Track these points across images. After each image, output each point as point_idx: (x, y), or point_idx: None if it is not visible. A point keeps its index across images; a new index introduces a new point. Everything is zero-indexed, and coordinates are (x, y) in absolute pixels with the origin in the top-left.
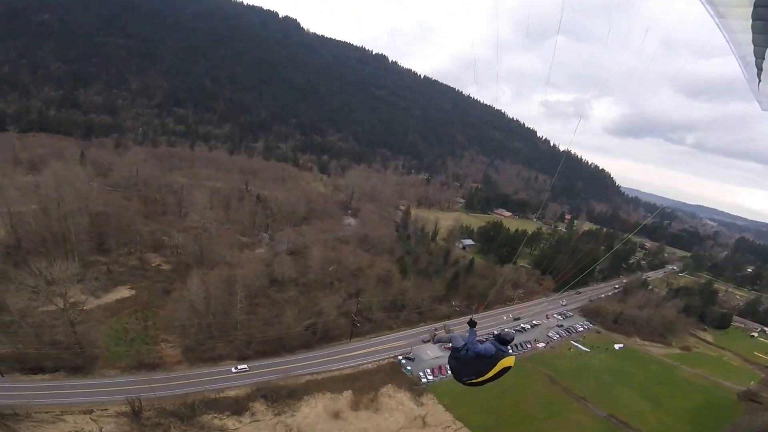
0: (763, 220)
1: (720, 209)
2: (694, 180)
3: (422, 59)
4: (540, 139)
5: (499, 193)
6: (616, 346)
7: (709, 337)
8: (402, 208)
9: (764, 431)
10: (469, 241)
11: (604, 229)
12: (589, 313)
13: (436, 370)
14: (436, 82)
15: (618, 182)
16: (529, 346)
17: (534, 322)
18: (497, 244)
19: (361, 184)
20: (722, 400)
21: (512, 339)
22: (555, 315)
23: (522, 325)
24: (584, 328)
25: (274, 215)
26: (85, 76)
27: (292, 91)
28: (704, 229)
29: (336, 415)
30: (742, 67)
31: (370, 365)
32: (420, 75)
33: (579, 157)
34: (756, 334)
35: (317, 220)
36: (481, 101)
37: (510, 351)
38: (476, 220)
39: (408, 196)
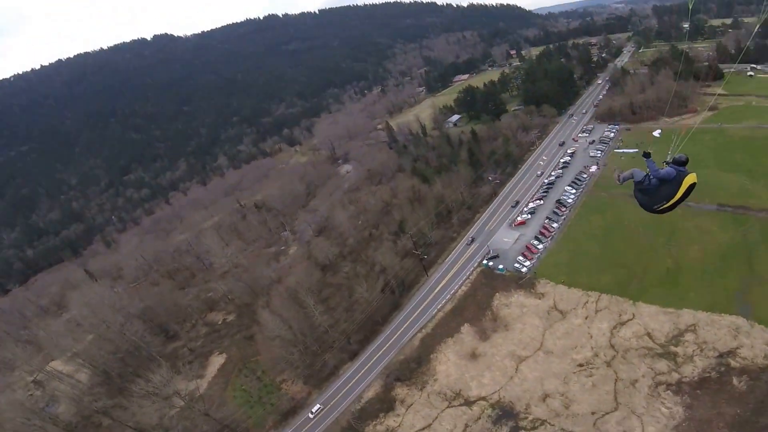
0: None
1: None
2: None
3: None
4: (444, 6)
5: (448, 64)
6: (655, 134)
7: (720, 90)
8: (380, 127)
9: None
10: (455, 117)
11: (551, 46)
12: (605, 117)
13: (527, 254)
14: (332, 9)
15: (529, 8)
16: (585, 176)
17: (569, 150)
18: (481, 104)
19: (333, 131)
20: None
21: (687, 159)
22: (580, 135)
23: (564, 160)
24: (614, 133)
25: (281, 210)
26: (27, 202)
27: (214, 96)
28: (621, 12)
29: (473, 355)
30: None
31: (464, 288)
32: (314, 11)
33: (484, 4)
34: (751, 73)
35: (320, 189)
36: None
37: (688, 170)
38: (446, 97)
39: (378, 114)
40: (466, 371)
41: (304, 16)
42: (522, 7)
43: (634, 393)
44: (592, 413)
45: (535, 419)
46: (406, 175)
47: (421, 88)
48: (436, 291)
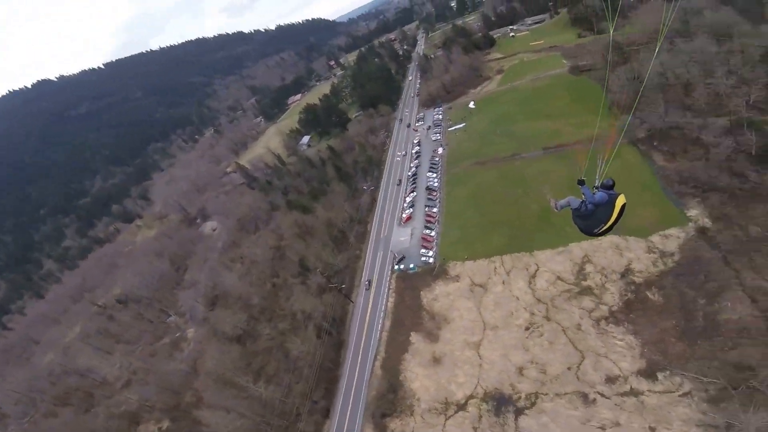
0: None
1: None
2: None
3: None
4: (252, 33)
5: (276, 88)
6: (470, 105)
7: (498, 55)
8: (230, 169)
9: None
10: (305, 138)
11: (362, 49)
12: (428, 102)
13: (426, 245)
14: (120, 60)
15: (331, 18)
16: (437, 159)
17: (415, 140)
18: (324, 119)
19: (175, 189)
20: (570, 81)
21: (614, 182)
22: (417, 124)
23: (415, 150)
24: (441, 114)
25: (153, 297)
26: None
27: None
28: (404, 5)
29: (435, 360)
30: None
31: (391, 299)
32: (98, 66)
33: (291, 23)
34: (512, 34)
35: (189, 259)
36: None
37: (617, 192)
38: (288, 121)
39: (223, 156)
40: (439, 378)
41: (87, 74)
42: (325, 18)
43: (586, 336)
44: (568, 368)
45: (528, 395)
46: (284, 211)
47: (258, 119)
48: (368, 313)
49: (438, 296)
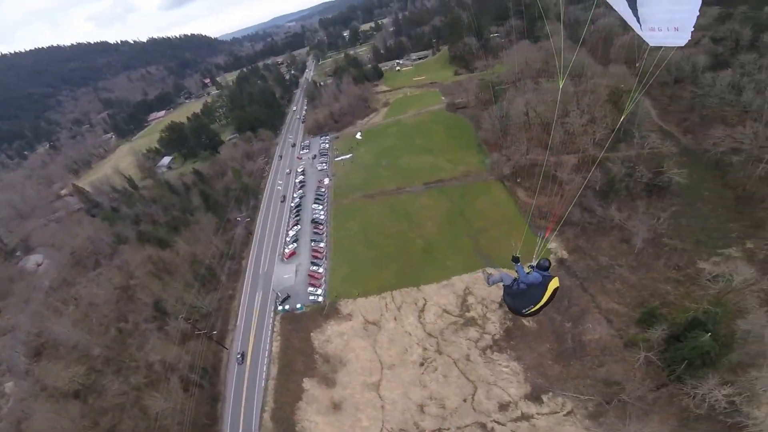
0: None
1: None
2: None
3: None
4: (119, 44)
5: (136, 103)
6: (357, 136)
7: (385, 87)
8: (65, 192)
9: None
10: (167, 159)
11: (244, 69)
12: (315, 130)
13: (313, 282)
14: None
15: (214, 36)
16: (323, 190)
17: (299, 169)
18: (192, 139)
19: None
20: (447, 117)
21: (550, 264)
22: (301, 152)
23: (299, 180)
24: (328, 143)
25: None
26: None
27: None
28: (295, 30)
29: (335, 407)
30: (627, 19)
31: (276, 343)
32: None
33: (168, 37)
34: (399, 68)
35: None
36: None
37: (551, 274)
38: (146, 139)
39: (57, 177)
40: (342, 425)
41: None
42: (207, 35)
43: (476, 366)
44: (464, 400)
45: None
46: (134, 244)
47: (108, 135)
48: (248, 360)
49: (331, 337)
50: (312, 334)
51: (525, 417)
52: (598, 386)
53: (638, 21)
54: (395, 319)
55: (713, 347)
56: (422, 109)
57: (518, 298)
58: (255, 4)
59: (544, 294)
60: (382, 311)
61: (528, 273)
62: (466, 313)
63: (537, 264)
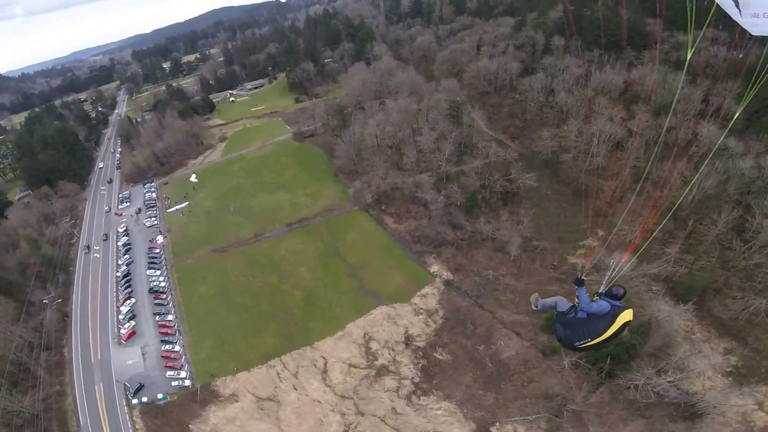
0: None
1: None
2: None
3: None
4: None
5: None
6: (192, 179)
7: (219, 120)
8: None
9: None
10: None
11: (36, 109)
12: (135, 176)
13: (171, 364)
14: None
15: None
16: (158, 251)
17: (120, 229)
18: None
19: None
20: (295, 148)
21: (625, 293)
22: (120, 207)
23: (122, 242)
24: (155, 191)
25: None
26: None
27: None
28: (102, 63)
29: None
30: (724, 7)
31: None
32: None
33: None
34: (233, 99)
35: None
36: None
37: (622, 305)
38: None
39: None
40: None
41: None
42: None
43: (406, 418)
44: None
45: None
46: None
47: None
48: None
49: (218, 426)
50: (191, 426)
51: None
52: (540, 402)
53: (737, 6)
54: (295, 388)
55: (635, 338)
56: (267, 140)
57: (573, 328)
58: (50, 35)
59: (610, 327)
60: (275, 383)
61: (593, 301)
62: (375, 362)
63: (606, 291)
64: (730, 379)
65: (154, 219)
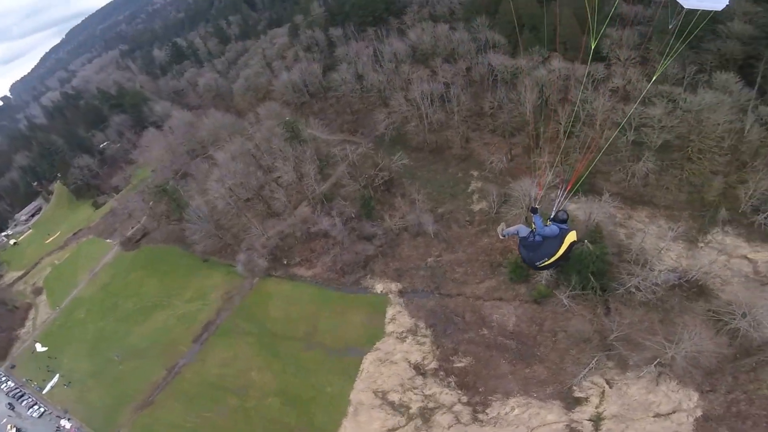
0: None
1: None
2: None
3: None
4: None
5: None
6: (39, 349)
7: (15, 273)
8: None
9: None
10: None
11: None
12: None
13: None
14: None
15: None
16: None
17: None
18: None
19: None
20: (135, 257)
21: (568, 216)
22: None
23: None
24: (10, 380)
25: None
26: None
27: None
28: None
29: None
30: None
31: None
32: None
33: None
34: (14, 241)
35: None
36: None
37: (568, 227)
38: None
39: None
40: None
41: None
42: None
43: None
44: None
45: None
46: None
47: None
48: None
49: None
50: None
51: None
52: (584, 347)
53: None
54: None
55: (599, 247)
56: (94, 267)
57: (534, 251)
58: None
59: (560, 246)
60: None
61: (545, 225)
62: (410, 411)
63: (554, 216)
64: (683, 242)
65: (38, 407)
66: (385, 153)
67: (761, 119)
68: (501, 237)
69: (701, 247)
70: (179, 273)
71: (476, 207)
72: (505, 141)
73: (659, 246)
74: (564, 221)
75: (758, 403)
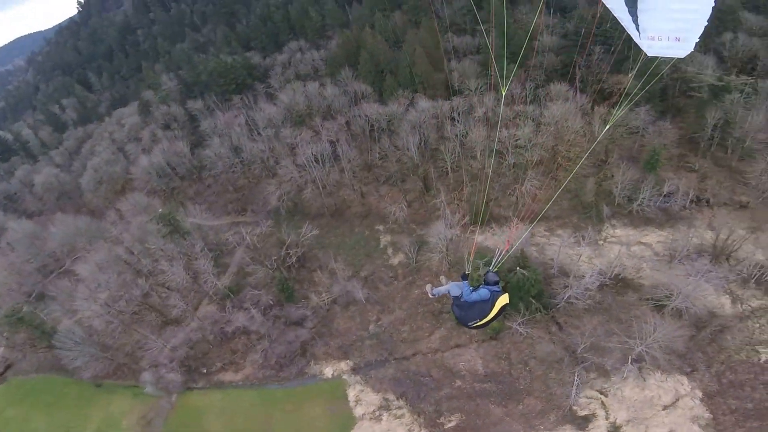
0: None
1: None
2: None
3: None
4: None
5: None
6: None
7: None
8: None
9: None
10: None
11: None
12: None
13: None
14: None
15: None
16: None
17: None
18: None
19: None
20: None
21: (499, 279)
22: None
23: None
24: None
25: None
26: None
27: None
28: None
29: None
30: (627, 28)
31: None
32: None
33: None
34: None
35: None
36: None
37: (500, 290)
38: None
39: None
40: None
41: None
42: None
43: None
44: None
45: None
46: None
47: None
48: None
49: None
50: None
51: None
52: (562, 368)
53: (637, 29)
54: None
55: (533, 273)
56: None
57: (466, 310)
58: None
59: (491, 309)
60: None
61: (475, 289)
62: None
63: (485, 280)
64: (587, 245)
65: None
66: (290, 228)
67: (602, 117)
68: (431, 296)
69: (602, 244)
70: (70, 403)
71: (395, 261)
72: (398, 189)
73: (569, 254)
74: (495, 283)
75: (740, 369)
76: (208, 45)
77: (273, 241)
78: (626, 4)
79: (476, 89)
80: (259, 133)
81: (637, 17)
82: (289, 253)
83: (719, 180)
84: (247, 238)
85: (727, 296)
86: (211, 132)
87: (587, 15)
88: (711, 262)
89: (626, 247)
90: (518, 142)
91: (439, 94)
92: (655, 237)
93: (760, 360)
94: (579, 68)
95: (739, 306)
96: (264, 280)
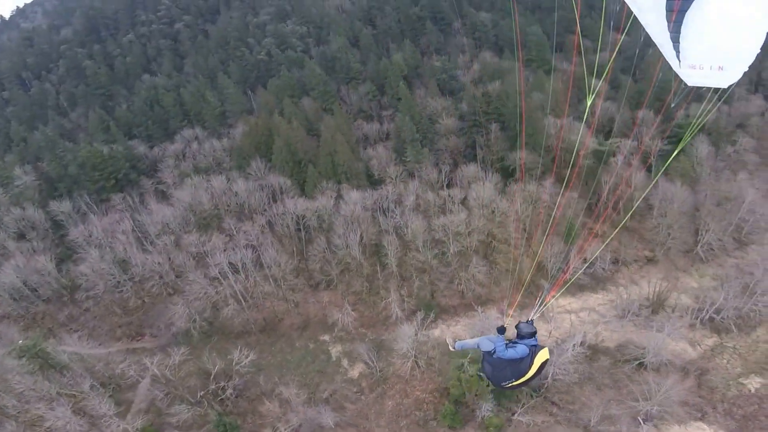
0: None
1: None
2: None
3: None
4: None
5: None
6: None
7: None
8: None
9: None
10: None
11: None
12: None
13: None
14: None
15: None
16: None
17: None
18: None
19: None
20: None
21: (535, 330)
22: None
23: None
24: None
25: None
26: None
27: None
28: None
29: None
30: (665, 54)
31: None
32: None
33: None
34: None
35: None
36: None
37: (540, 345)
38: None
39: None
40: None
41: None
42: None
43: None
44: None
45: None
46: None
47: None
48: None
49: None
50: None
51: None
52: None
53: (678, 57)
54: None
55: None
56: None
57: (498, 369)
58: None
59: (530, 368)
60: None
61: (511, 344)
62: None
63: (519, 334)
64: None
65: None
66: (211, 352)
67: (521, 194)
68: (452, 349)
69: (552, 316)
70: None
71: (354, 373)
72: (338, 292)
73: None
74: (532, 335)
75: (742, 403)
76: (76, 131)
77: (190, 370)
78: (669, 29)
79: (396, 177)
80: (152, 243)
81: (679, 44)
82: (222, 386)
83: (622, 241)
84: (154, 369)
85: (685, 341)
86: (85, 242)
87: (477, 93)
88: (653, 313)
89: (575, 315)
90: (458, 228)
91: (362, 183)
92: (594, 301)
93: (751, 391)
94: (481, 148)
95: (699, 348)
96: (191, 419)
